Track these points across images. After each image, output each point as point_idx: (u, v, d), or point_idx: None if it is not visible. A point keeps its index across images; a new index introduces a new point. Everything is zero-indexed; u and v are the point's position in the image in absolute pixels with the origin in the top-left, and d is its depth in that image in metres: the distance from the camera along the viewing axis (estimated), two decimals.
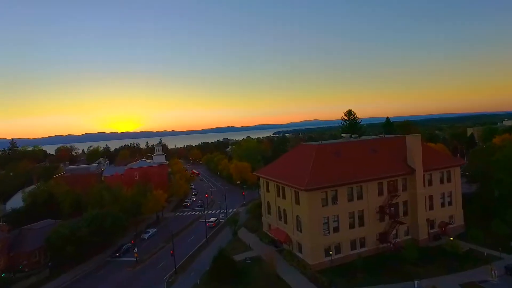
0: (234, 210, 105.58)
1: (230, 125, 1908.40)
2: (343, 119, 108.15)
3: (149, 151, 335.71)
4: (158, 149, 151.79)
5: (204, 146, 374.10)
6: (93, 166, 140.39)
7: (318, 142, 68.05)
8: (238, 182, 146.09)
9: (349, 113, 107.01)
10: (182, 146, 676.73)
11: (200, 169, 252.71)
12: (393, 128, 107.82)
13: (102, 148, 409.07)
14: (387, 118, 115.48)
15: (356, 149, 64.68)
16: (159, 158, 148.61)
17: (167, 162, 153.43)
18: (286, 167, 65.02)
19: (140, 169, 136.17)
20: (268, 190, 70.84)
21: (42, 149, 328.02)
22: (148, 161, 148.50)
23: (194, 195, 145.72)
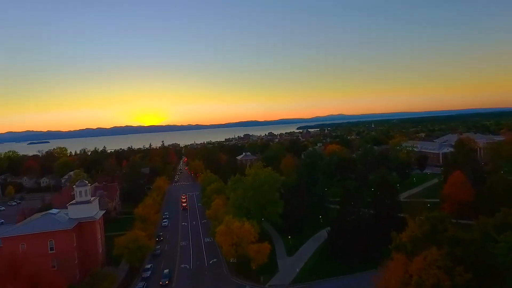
0: None
1: (254, 119, 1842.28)
2: None
3: (143, 156, 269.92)
4: (82, 191, 78.76)
5: (209, 156, 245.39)
6: None
7: None
8: (231, 260, 78.49)
9: None
10: (202, 141, 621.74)
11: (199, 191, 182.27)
12: None
13: (100, 150, 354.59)
14: None
15: None
16: (82, 211, 78.02)
17: (99, 218, 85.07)
18: None
19: (31, 239, 71.17)
20: None
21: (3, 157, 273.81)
22: (64, 213, 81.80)
23: (143, 278, 72.74)
